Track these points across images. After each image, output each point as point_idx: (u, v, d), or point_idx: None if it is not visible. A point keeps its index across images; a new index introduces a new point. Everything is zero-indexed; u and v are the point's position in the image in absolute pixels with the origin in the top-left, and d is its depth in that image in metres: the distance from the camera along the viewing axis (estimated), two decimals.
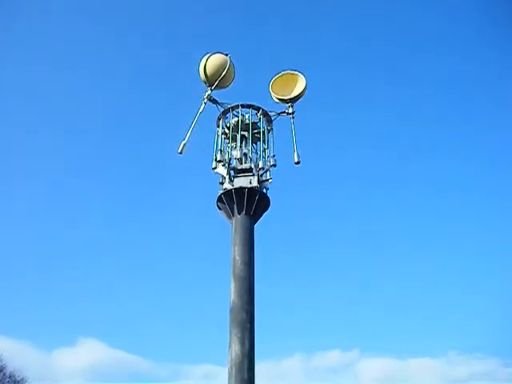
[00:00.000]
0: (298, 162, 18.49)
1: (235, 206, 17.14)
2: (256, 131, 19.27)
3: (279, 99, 19.89)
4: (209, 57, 19.50)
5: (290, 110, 19.69)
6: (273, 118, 19.79)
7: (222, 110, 19.48)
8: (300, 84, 19.80)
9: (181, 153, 18.46)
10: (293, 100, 19.72)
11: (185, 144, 18.70)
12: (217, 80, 19.11)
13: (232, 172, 18.15)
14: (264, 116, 19.64)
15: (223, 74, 18.99)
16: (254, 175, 17.87)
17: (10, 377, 52.42)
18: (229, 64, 19.49)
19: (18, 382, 53.20)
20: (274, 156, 18.80)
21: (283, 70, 20.26)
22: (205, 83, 19.33)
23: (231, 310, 15.39)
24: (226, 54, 19.75)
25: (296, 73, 20.08)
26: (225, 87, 19.96)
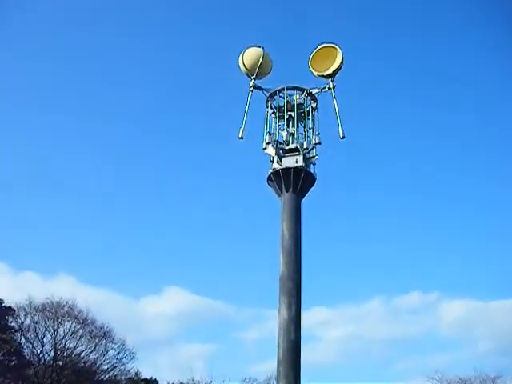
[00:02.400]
0: (343, 137, 19.90)
1: (283, 185, 19.06)
2: (302, 111, 20.83)
3: (319, 75, 21.16)
4: (244, 51, 21.29)
5: (331, 85, 20.94)
6: (316, 95, 21.17)
7: (269, 93, 21.18)
8: (337, 58, 20.75)
9: (241, 137, 20.43)
10: (332, 75, 20.88)
11: (243, 129, 20.60)
12: (256, 70, 20.85)
13: (281, 152, 19.97)
14: (308, 96, 21.11)
15: (260, 63, 20.70)
16: (299, 154, 19.61)
17: (100, 328, 57.01)
18: (263, 54, 21.14)
19: (107, 332, 57.58)
20: (318, 134, 20.36)
21: (320, 44, 21.32)
22: (247, 75, 21.15)
23: (280, 279, 17.56)
24: (259, 46, 21.39)
25: (333, 45, 21.00)
26: (266, 74, 21.63)
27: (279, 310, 16.99)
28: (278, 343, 16.59)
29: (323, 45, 21.29)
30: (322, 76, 21.12)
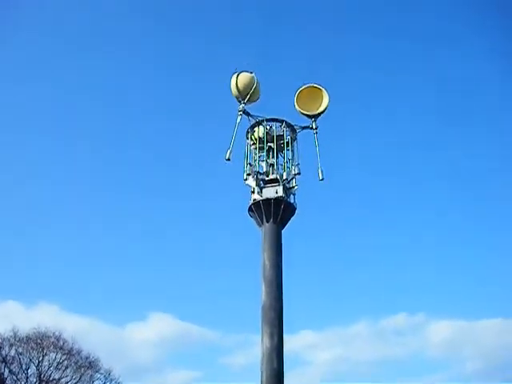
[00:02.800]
0: (322, 179, 20.41)
1: (263, 216, 19.57)
2: (281, 142, 21.43)
3: (303, 114, 21.83)
4: (238, 75, 21.76)
5: (314, 126, 21.66)
6: (298, 131, 21.81)
7: (252, 122, 21.78)
8: (324, 100, 21.47)
9: (228, 159, 20.72)
10: (316, 116, 21.61)
11: (231, 151, 20.88)
12: (247, 94, 21.41)
13: (261, 183, 20.48)
14: (288, 127, 21.74)
15: (252, 89, 21.28)
16: (279, 185, 20.16)
17: (86, 358, 56.43)
18: (255, 80, 21.72)
19: (93, 361, 57.04)
20: (298, 164, 20.95)
21: (306, 83, 22.04)
22: (237, 98, 21.65)
23: (262, 309, 17.97)
24: (251, 72, 21.98)
25: (320, 87, 21.71)
26: (255, 101, 22.19)
27: (262, 339, 17.38)
28: (261, 371, 16.94)
29: (311, 84, 21.95)
30: (306, 115, 21.76)
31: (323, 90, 21.42)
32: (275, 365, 16.59)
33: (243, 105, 21.75)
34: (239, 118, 21.56)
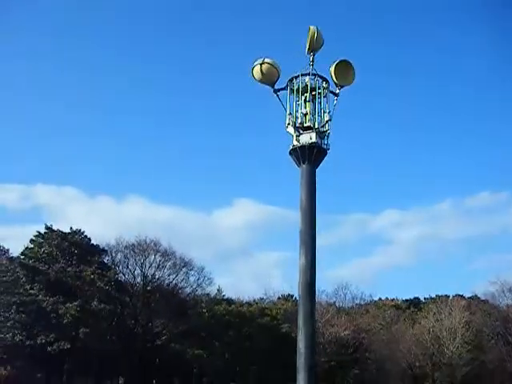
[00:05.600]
0: (327, 149, 24.38)
1: (300, 159, 24.02)
2: (315, 93, 25.28)
3: (334, 81, 25.10)
4: (261, 65, 24.79)
5: (337, 91, 25.13)
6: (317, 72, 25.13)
7: (288, 79, 25.65)
8: (350, 75, 24.58)
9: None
10: (341, 86, 24.85)
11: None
12: (273, 80, 25.00)
13: (298, 130, 24.72)
14: (320, 78, 25.45)
15: (277, 76, 24.99)
16: (313, 131, 24.36)
17: (180, 258, 64.64)
18: (276, 67, 25.19)
19: (188, 261, 65.22)
20: (329, 112, 24.87)
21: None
22: (265, 83, 25.36)
23: (299, 233, 22.90)
24: (270, 63, 24.97)
25: (351, 64, 24.79)
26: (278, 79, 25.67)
27: (299, 257, 22.46)
28: (298, 282, 22.21)
29: (344, 59, 25.01)
30: (335, 83, 24.98)
31: (352, 67, 24.19)
32: (308, 278, 21.66)
33: (273, 88, 25.06)
34: (276, 95, 25.09)
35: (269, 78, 25.78)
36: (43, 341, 50.89)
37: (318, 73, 25.91)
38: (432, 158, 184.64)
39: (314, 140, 24.23)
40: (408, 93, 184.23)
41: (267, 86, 25.35)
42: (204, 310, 65.03)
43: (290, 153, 24.86)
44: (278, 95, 25.90)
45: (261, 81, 25.91)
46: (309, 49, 25.26)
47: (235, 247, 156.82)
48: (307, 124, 24.87)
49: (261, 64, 25.63)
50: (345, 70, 25.83)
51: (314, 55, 25.26)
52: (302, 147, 24.26)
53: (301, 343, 21.05)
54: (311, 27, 25.38)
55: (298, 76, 25.81)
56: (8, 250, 71.35)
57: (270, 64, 25.79)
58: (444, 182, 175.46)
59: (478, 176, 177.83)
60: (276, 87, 26.08)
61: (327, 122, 24.92)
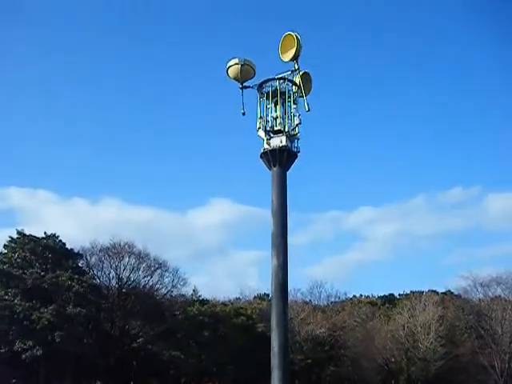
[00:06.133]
0: (308, 110, 24.91)
1: (271, 162, 24.62)
2: (284, 97, 25.91)
3: (286, 59, 25.69)
4: (231, 64, 25.60)
5: (296, 67, 25.79)
6: (288, 76, 25.84)
7: (258, 83, 26.21)
8: (296, 43, 25.15)
9: (244, 113, 25.70)
10: (295, 58, 25.49)
11: (243, 108, 25.80)
12: (242, 78, 25.72)
13: (269, 134, 25.34)
14: (290, 82, 26.09)
15: (250, 76, 25.63)
16: (283, 135, 24.99)
17: (155, 260, 64.77)
18: (254, 70, 25.77)
19: (162, 262, 65.34)
20: (299, 115, 25.55)
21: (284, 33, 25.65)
22: (235, 80, 25.99)
23: (272, 236, 23.50)
24: (245, 62, 25.56)
25: (292, 33, 25.36)
26: (251, 77, 26.24)
27: (271, 258, 23.06)
28: (271, 283, 22.78)
29: (286, 33, 25.64)
30: (289, 59, 25.61)
31: (294, 34, 24.87)
32: (281, 278, 22.34)
33: (241, 84, 25.76)
34: (241, 91, 25.78)
35: (242, 76, 26.30)
36: (19, 349, 50.53)
37: (287, 77, 26.69)
38: (405, 154, 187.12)
39: (284, 143, 24.93)
40: (380, 85, 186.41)
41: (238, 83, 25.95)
42: (177, 312, 65.21)
43: (261, 156, 25.50)
44: (242, 93, 26.47)
45: (235, 78, 26.39)
46: (294, 57, 25.83)
47: (211, 246, 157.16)
48: (277, 127, 25.56)
49: (239, 63, 26.14)
50: (290, 43, 26.08)
51: (297, 61, 25.92)
52: (273, 150, 24.90)
53: (274, 343, 21.66)
54: (293, 35, 25.90)
55: (268, 80, 26.47)
56: None
57: (248, 64, 26.33)
58: (416, 178, 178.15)
59: (450, 172, 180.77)
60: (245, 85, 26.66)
61: (297, 125, 25.62)
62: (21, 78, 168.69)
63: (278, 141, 24.82)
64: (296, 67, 25.00)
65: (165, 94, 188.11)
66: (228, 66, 25.91)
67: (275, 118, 25.45)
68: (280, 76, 26.01)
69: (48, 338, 51.06)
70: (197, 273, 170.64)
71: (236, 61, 25.54)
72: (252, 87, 26.02)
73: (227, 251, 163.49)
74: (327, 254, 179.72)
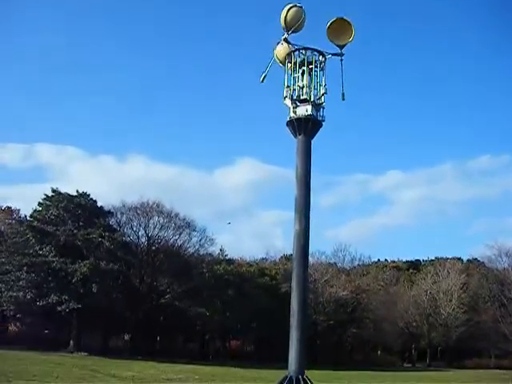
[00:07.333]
0: (343, 99, 25.26)
1: (297, 130, 25.26)
2: (312, 67, 26.27)
3: (333, 42, 25.94)
4: (289, 9, 25.72)
5: (341, 52, 25.99)
6: (327, 57, 26.13)
7: (287, 53, 26.58)
8: (350, 32, 25.39)
9: (262, 81, 26.07)
10: (343, 46, 25.70)
11: (265, 75, 26.25)
12: (293, 27, 25.70)
13: (295, 103, 25.83)
14: (318, 53, 26.41)
15: (299, 22, 25.52)
16: (309, 104, 25.50)
17: (183, 219, 66.18)
18: (303, 15, 25.86)
19: (190, 222, 66.76)
20: (325, 85, 25.93)
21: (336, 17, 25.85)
22: (283, 29, 26.09)
23: (295, 200, 24.32)
24: (301, 7, 25.82)
25: (347, 20, 25.53)
26: (297, 32, 26.49)
27: (294, 223, 23.92)
28: (293, 247, 23.75)
29: (340, 17, 25.72)
30: (335, 43, 25.82)
31: (350, 22, 25.08)
32: (302, 243, 23.23)
33: (287, 35, 25.95)
34: (280, 45, 26.02)
35: (294, 25, 26.19)
36: (54, 300, 53.04)
37: (316, 47, 26.98)
38: (435, 121, 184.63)
39: (309, 112, 25.37)
40: (410, 57, 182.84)
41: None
42: (204, 270, 67.02)
43: (287, 124, 26.08)
44: (288, 42, 26.44)
45: (286, 24, 26.30)
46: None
47: (237, 206, 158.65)
48: (304, 97, 26.07)
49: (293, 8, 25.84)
50: (342, 28, 26.23)
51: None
52: (298, 119, 25.45)
53: (294, 303, 22.77)
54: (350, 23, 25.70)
55: (296, 50, 26.83)
56: (19, 210, 73.79)
57: (301, 12, 26.12)
58: (446, 144, 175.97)
59: (479, 140, 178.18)
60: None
61: (323, 95, 26.07)
62: None
63: (304, 110, 25.27)
64: (341, 53, 25.29)
65: (188, 55, 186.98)
66: (289, 6, 25.80)
67: (302, 88, 25.80)
68: (309, 47, 26.17)
69: (81, 292, 53.46)
70: (222, 232, 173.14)
71: (300, 9, 25.54)
72: (291, 44, 25.96)
73: (252, 211, 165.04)
74: (353, 216, 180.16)
